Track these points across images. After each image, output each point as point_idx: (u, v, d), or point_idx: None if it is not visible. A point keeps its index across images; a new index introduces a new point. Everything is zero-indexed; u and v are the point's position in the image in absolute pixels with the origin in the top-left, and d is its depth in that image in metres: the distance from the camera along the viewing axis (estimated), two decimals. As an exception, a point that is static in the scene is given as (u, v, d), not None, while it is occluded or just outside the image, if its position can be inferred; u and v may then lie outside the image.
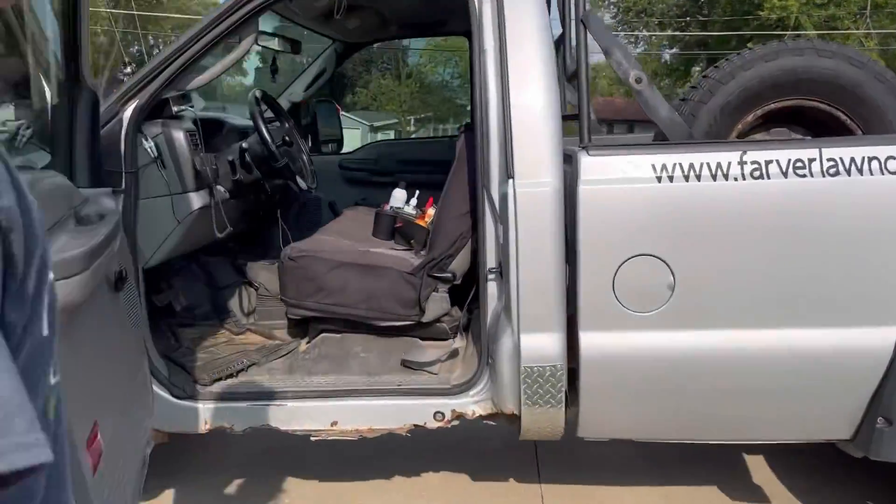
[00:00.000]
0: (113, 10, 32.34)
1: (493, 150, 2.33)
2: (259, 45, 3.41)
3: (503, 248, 2.34)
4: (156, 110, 2.48)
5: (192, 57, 2.39)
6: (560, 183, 2.30)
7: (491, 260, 2.40)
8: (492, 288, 2.41)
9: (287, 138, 2.75)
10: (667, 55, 32.18)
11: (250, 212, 3.11)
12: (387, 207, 3.22)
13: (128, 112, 2.37)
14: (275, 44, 3.23)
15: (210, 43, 2.39)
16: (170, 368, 2.57)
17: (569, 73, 2.80)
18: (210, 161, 2.49)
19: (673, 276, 2.25)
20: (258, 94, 2.72)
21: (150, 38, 35.86)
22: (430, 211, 3.22)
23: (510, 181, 2.28)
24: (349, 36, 3.83)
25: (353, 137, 34.45)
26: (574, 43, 2.37)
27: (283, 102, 4.05)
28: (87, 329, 1.61)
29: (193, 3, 35.74)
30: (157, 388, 2.45)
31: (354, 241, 2.91)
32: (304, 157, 3.05)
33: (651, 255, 2.24)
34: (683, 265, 2.25)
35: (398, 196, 3.27)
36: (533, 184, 2.28)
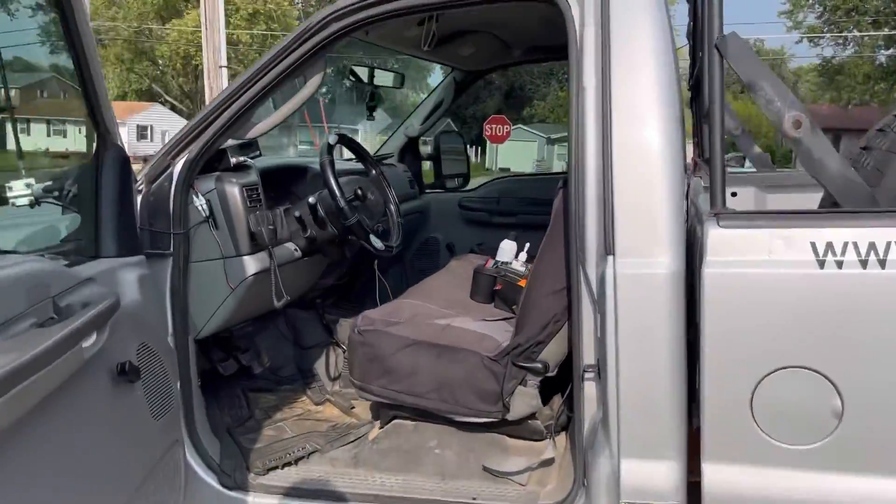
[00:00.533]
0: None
1: (590, 213, 1.80)
2: (352, 79, 3.11)
3: (601, 343, 1.79)
4: (214, 162, 2.21)
5: (250, 101, 2.08)
6: (680, 264, 1.71)
7: (588, 355, 1.86)
8: (589, 390, 1.87)
9: (360, 191, 2.37)
10: (882, 57, 28.67)
11: (339, 263, 2.78)
12: (490, 262, 2.75)
13: (178, 166, 2.11)
14: (366, 76, 2.90)
15: (270, 84, 2.07)
16: (225, 449, 2.27)
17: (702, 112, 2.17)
18: (268, 220, 2.17)
19: (840, 398, 1.59)
20: (331, 139, 2.38)
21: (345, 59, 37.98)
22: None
23: (609, 259, 1.73)
24: (465, 63, 3.41)
25: (529, 149, 34.37)
26: (706, 71, 1.78)
27: (399, 137, 3.72)
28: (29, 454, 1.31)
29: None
30: (203, 474, 2.17)
31: (443, 306, 2.47)
32: (392, 210, 2.67)
33: (808, 369, 1.60)
34: (856, 384, 1.59)
35: (506, 249, 2.79)
36: (640, 264, 1.71)
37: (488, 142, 21.26)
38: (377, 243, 2.33)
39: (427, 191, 3.90)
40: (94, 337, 1.51)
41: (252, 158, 2.27)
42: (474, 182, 4.13)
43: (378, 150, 3.79)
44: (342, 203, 2.24)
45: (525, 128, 34.89)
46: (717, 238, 1.64)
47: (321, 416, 2.60)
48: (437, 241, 3.82)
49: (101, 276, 1.71)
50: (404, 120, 3.73)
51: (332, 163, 2.28)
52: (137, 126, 33.32)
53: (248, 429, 2.48)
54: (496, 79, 41.15)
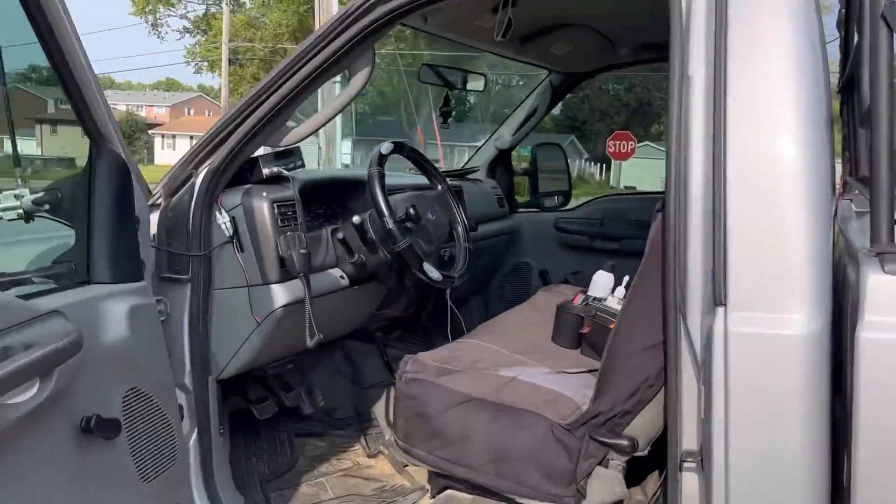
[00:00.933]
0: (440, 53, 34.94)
1: (693, 247, 1.32)
2: (423, 83, 2.74)
3: (705, 423, 1.30)
4: (247, 172, 1.89)
5: (281, 101, 1.75)
6: (824, 321, 1.21)
7: (688, 437, 1.37)
8: (689, 484, 1.38)
9: (413, 210, 1.98)
10: None
11: (400, 292, 2.40)
12: (580, 297, 2.28)
13: (200, 177, 1.81)
14: (436, 78, 2.52)
15: (305, 81, 1.74)
16: (252, 509, 1.94)
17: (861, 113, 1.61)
18: (302, 242, 1.82)
19: None
20: (384, 148, 2.01)
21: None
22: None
23: (720, 311, 1.25)
24: (562, 64, 2.96)
25: (657, 167, 32.90)
26: (866, 56, 1.27)
27: (488, 150, 3.31)
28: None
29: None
30: (220, 542, 1.84)
31: (516, 351, 2.04)
32: (459, 232, 2.26)
33: None
34: None
35: (600, 282, 2.31)
36: (764, 320, 1.22)
37: (612, 159, 20.38)
38: (432, 273, 1.93)
39: (520, 210, 3.47)
40: (34, 388, 1.20)
41: (290, 169, 1.93)
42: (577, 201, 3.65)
43: (466, 163, 3.40)
44: (390, 224, 1.86)
45: (653, 145, 33.47)
46: (880, 287, 1.12)
47: (370, 473, 2.22)
48: (528, 267, 3.37)
49: (76, 307, 1.40)
50: (495, 131, 3.32)
51: (381, 175, 1.91)
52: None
53: (285, 482, 2.14)
54: (623, 94, 40.00)
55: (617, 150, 17.84)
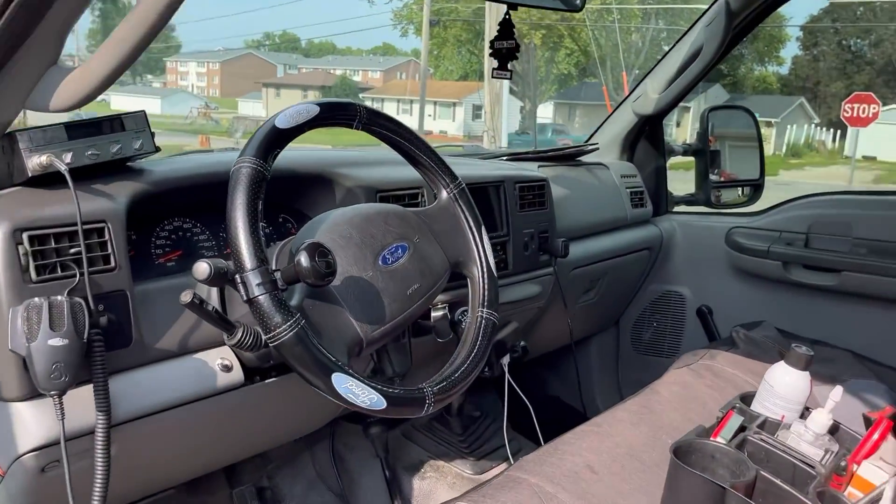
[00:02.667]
0: (646, 6, 32.40)
1: None
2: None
3: None
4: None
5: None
6: None
7: None
8: None
9: (326, 253, 0.92)
10: None
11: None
12: (731, 419, 1.12)
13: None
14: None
15: None
16: None
17: None
18: (63, 315, 0.86)
19: None
20: (280, 121, 0.94)
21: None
22: (876, 468, 1.02)
23: None
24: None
25: (906, 139, 28.22)
26: None
27: (623, 116, 2.13)
28: None
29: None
30: None
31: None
32: (475, 274, 1.15)
33: None
34: None
35: (814, 426, 1.13)
36: None
37: (848, 125, 17.26)
38: (356, 393, 0.88)
39: (676, 209, 2.27)
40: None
41: (98, 159, 0.97)
42: (800, 189, 2.35)
43: (589, 138, 2.24)
44: (253, 284, 0.83)
45: (902, 109, 28.53)
46: None
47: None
48: (680, 300, 2.17)
49: None
50: (634, 87, 2.12)
51: (255, 180, 0.87)
52: (473, 105, 34.56)
53: None
54: (868, 50, 34.55)
55: (854, 115, 14.95)
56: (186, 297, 0.84)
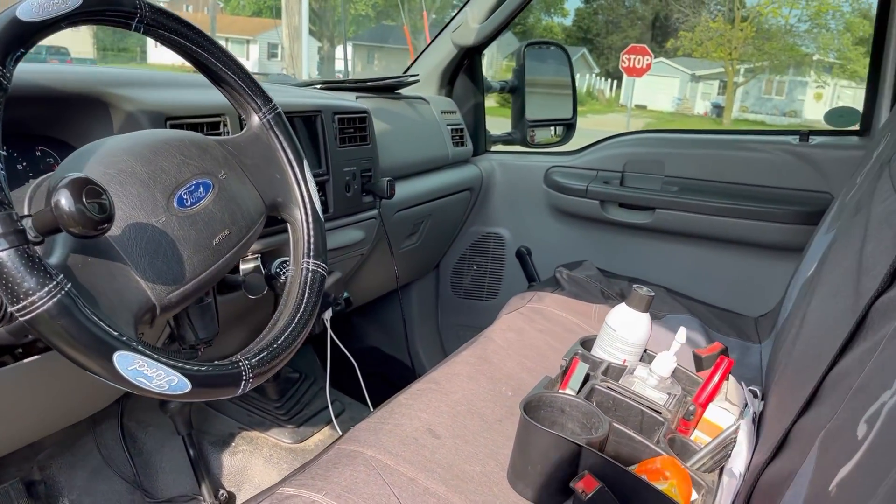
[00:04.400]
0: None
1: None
2: None
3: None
4: None
5: None
6: None
7: None
8: None
9: (100, 191, 0.71)
10: None
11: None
12: (577, 370, 1.05)
13: None
14: None
15: None
16: None
17: None
18: None
19: None
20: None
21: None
22: (723, 410, 1.00)
23: None
24: None
25: (670, 86, 31.08)
26: None
27: (442, 46, 1.99)
28: None
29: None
30: None
31: (437, 479, 0.82)
32: (297, 215, 0.96)
33: None
34: None
35: (658, 368, 1.08)
36: None
37: (625, 75, 18.63)
38: (152, 382, 0.68)
39: (494, 149, 2.20)
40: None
41: None
42: (584, 134, 2.35)
43: (407, 69, 2.08)
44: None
45: (667, 62, 31.45)
46: None
47: None
48: (500, 241, 2.12)
49: None
50: (454, 16, 1.99)
51: None
52: (268, 44, 32.76)
53: None
54: (640, 7, 37.47)
55: (631, 66, 16.16)
56: None
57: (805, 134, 1.80)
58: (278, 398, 1.51)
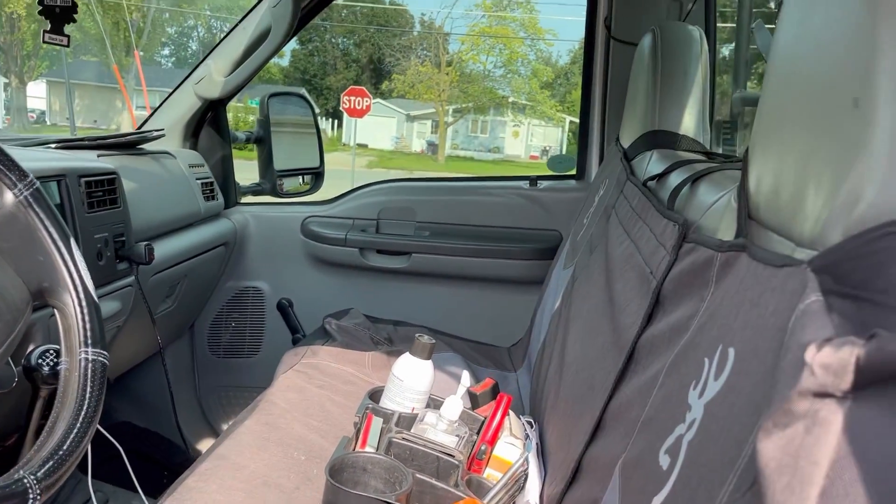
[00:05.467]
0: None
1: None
2: None
3: None
4: None
5: None
6: None
7: None
8: None
9: None
10: None
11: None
12: (371, 422, 1.07)
13: None
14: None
15: None
16: None
17: None
18: None
19: None
20: None
21: (189, 17, 34.25)
22: (511, 446, 1.08)
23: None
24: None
25: (388, 125, 32.66)
26: None
27: (185, 99, 1.91)
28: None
29: (230, -18, 33.95)
30: None
31: None
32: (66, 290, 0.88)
33: None
34: None
35: (446, 412, 1.13)
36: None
37: (345, 115, 19.17)
38: None
39: (244, 200, 2.14)
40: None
41: None
42: (332, 186, 2.39)
43: (145, 120, 1.96)
44: None
45: (384, 103, 33.06)
46: None
47: None
48: (260, 295, 2.07)
49: None
50: (195, 68, 1.92)
51: None
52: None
53: None
54: (353, 50, 38.97)
55: (352, 107, 16.68)
56: None
57: (534, 179, 2.03)
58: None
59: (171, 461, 1.89)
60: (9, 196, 0.81)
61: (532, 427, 1.18)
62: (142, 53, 27.01)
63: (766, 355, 0.48)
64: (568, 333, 1.25)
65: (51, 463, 0.70)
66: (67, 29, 1.16)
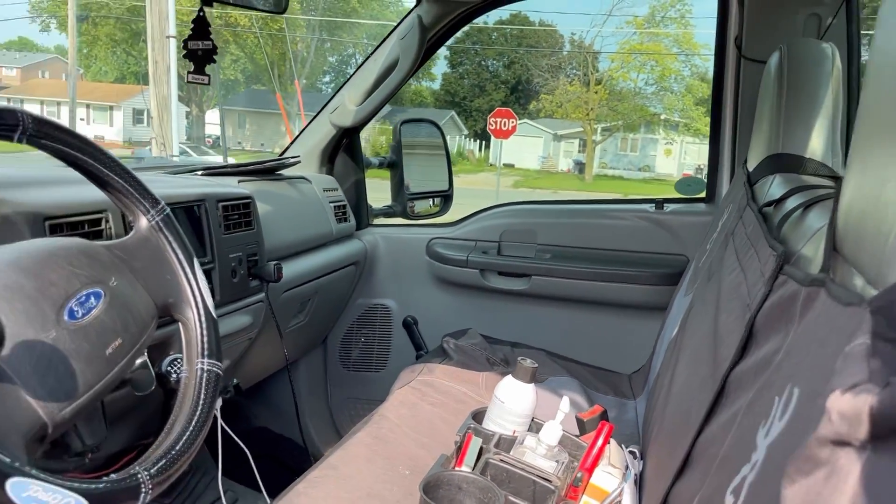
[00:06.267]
0: (309, 17, 32.89)
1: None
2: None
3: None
4: None
5: None
6: None
7: None
8: None
9: None
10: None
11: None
12: (471, 444, 1.10)
13: None
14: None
15: None
16: None
17: None
18: None
19: None
20: None
21: (349, 45, 36.27)
22: (608, 475, 1.06)
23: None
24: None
25: (535, 145, 32.71)
26: None
27: (321, 127, 2.04)
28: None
29: (388, 11, 35.63)
30: None
31: None
32: (191, 316, 0.97)
33: None
34: None
35: (550, 433, 1.14)
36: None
37: (492, 137, 19.44)
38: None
39: (376, 221, 2.25)
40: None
41: None
42: (458, 193, 2.44)
43: (285, 150, 2.12)
44: None
45: (531, 123, 33.17)
46: None
47: None
48: (387, 310, 2.16)
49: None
50: (331, 98, 2.05)
51: None
52: (133, 109, 31.66)
53: None
54: (503, 72, 39.46)
55: (498, 128, 16.89)
56: None
57: (660, 202, 1.98)
58: (168, 494, 1.45)
59: (301, 467, 2.00)
60: (143, 221, 0.91)
61: (635, 457, 1.16)
62: (304, 81, 28.94)
63: (818, 399, 0.46)
64: (678, 363, 1.21)
65: (163, 461, 0.78)
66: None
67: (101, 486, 0.69)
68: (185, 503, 1.47)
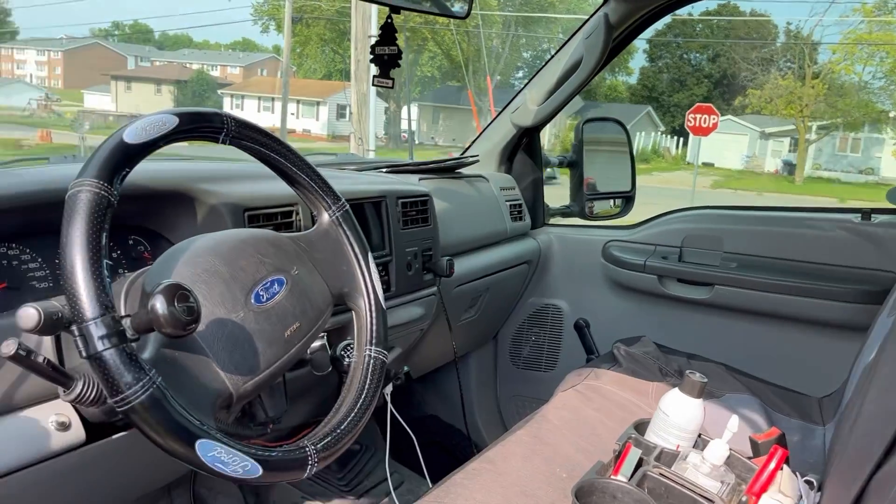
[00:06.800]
0: (506, 13, 33.34)
1: None
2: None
3: None
4: None
5: None
6: None
7: None
8: None
9: (186, 294, 0.79)
10: None
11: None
12: (630, 453, 1.07)
13: None
14: None
15: None
16: None
17: None
18: None
19: None
20: (129, 135, 0.79)
21: (544, 41, 36.35)
22: (775, 502, 0.99)
23: None
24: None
25: (739, 143, 30.69)
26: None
27: (501, 126, 2.08)
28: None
29: (586, 3, 35.14)
30: None
31: None
32: (363, 306, 1.03)
33: None
34: None
35: (714, 452, 1.09)
36: None
37: (690, 134, 18.53)
38: (229, 468, 0.75)
39: (552, 221, 2.25)
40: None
41: None
42: (650, 192, 2.38)
43: (466, 149, 2.18)
44: (96, 337, 0.68)
45: (736, 119, 31.19)
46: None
47: None
48: (558, 313, 2.15)
49: None
50: (513, 98, 2.08)
51: (95, 212, 0.71)
52: (337, 105, 34.12)
53: None
54: (706, 65, 37.42)
55: (697, 125, 16.05)
56: (8, 348, 0.67)
57: (867, 212, 1.79)
58: (340, 468, 1.56)
59: (465, 457, 2.07)
60: (325, 216, 1.00)
61: (812, 487, 1.07)
62: (498, 77, 29.37)
63: None
64: (869, 390, 1.10)
65: (329, 438, 0.85)
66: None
67: (273, 454, 0.77)
68: (355, 479, 1.57)
